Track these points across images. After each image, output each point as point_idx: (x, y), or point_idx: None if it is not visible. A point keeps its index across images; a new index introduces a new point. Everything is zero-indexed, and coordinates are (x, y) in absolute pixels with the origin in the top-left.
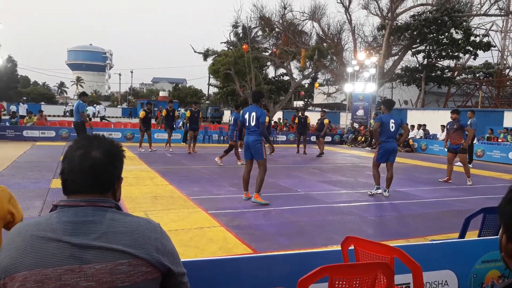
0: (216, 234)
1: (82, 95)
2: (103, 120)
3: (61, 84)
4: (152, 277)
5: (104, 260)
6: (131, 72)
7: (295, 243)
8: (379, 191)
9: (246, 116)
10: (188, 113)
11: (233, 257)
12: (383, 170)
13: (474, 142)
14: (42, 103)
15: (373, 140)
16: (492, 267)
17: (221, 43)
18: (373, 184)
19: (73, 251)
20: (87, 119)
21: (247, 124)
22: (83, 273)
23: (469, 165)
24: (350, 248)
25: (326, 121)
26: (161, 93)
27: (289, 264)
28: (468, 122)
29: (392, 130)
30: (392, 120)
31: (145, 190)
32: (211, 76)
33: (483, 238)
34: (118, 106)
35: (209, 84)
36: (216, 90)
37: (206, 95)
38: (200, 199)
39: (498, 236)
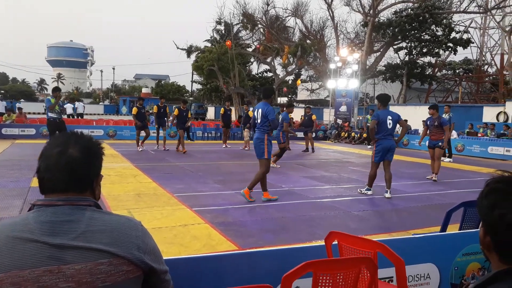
0: (201, 231)
1: (53, 90)
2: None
3: (41, 81)
4: (134, 276)
5: (84, 260)
6: (113, 68)
7: (279, 239)
8: (370, 192)
9: (255, 113)
10: (176, 111)
11: (216, 254)
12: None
13: (454, 137)
14: (22, 100)
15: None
16: (472, 259)
17: (204, 41)
18: (360, 181)
19: (52, 251)
20: (61, 115)
21: (256, 122)
22: (62, 274)
23: (450, 159)
24: (333, 243)
25: (314, 116)
26: (144, 90)
27: (273, 260)
28: (445, 116)
29: (390, 127)
30: (389, 117)
31: (128, 187)
32: (195, 73)
33: (463, 231)
34: (100, 103)
35: (192, 81)
36: (199, 86)
37: (190, 92)
38: (184, 196)
39: (478, 229)
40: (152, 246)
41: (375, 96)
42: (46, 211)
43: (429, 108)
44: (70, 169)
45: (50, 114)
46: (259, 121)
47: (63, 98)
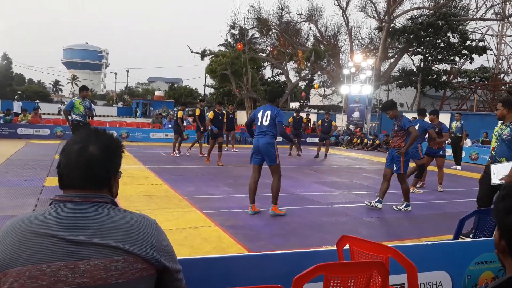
0: (211, 233)
1: (81, 89)
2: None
3: (56, 83)
4: (148, 273)
5: (99, 257)
6: (127, 71)
7: (289, 243)
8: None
9: (259, 114)
10: (211, 114)
11: (228, 256)
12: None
13: (468, 145)
14: (37, 101)
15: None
16: (486, 268)
17: (219, 45)
18: (372, 187)
19: (68, 247)
20: (85, 118)
21: (258, 124)
22: (78, 269)
23: (458, 167)
24: (345, 247)
25: (334, 123)
26: (157, 93)
27: (284, 263)
28: (457, 124)
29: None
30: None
31: (139, 189)
32: (208, 76)
33: (477, 239)
34: (114, 105)
35: (205, 85)
36: (212, 90)
37: (202, 95)
38: (195, 198)
39: (492, 238)
40: (166, 245)
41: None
42: (64, 207)
43: (429, 114)
44: (89, 167)
45: (74, 116)
46: (266, 123)
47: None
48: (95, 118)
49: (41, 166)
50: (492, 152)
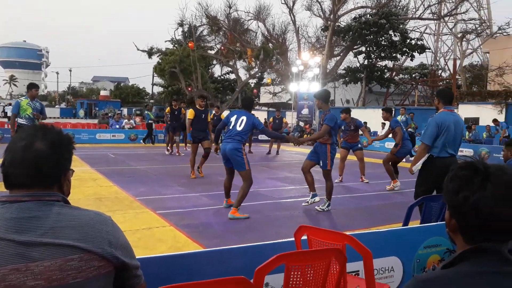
0: (166, 233)
1: (29, 87)
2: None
3: None
4: (105, 271)
5: (53, 257)
6: (70, 70)
7: (246, 239)
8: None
9: (233, 118)
10: (190, 114)
11: (187, 252)
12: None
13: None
14: None
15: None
16: (433, 252)
17: (166, 41)
18: (322, 181)
19: (18, 249)
20: (34, 121)
21: (230, 127)
22: (30, 271)
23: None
24: (303, 238)
25: (285, 120)
26: (102, 92)
27: (244, 257)
28: (402, 118)
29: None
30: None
31: (88, 192)
32: (156, 75)
33: (424, 225)
34: (56, 106)
35: (153, 84)
36: (160, 89)
37: (150, 94)
38: (147, 199)
39: (438, 223)
40: (123, 241)
41: (319, 94)
42: (11, 208)
43: (341, 112)
44: (36, 164)
45: (20, 120)
46: (239, 128)
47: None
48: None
49: None
50: None
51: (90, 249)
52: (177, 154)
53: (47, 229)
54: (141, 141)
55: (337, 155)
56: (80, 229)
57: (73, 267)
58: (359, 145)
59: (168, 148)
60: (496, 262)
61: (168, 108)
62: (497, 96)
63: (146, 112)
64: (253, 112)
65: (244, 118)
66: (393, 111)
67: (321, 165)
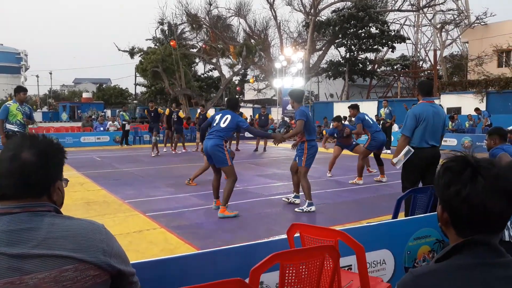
0: (157, 236)
1: (16, 90)
2: None
3: None
4: (101, 280)
5: (47, 268)
6: (50, 73)
7: (238, 238)
8: (312, 207)
9: (217, 117)
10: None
11: (181, 255)
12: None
13: (395, 130)
14: None
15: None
16: (423, 243)
17: (147, 39)
18: (310, 176)
19: (11, 262)
20: (24, 128)
21: (214, 125)
22: (25, 284)
23: (388, 151)
24: (296, 235)
25: (270, 116)
26: (85, 95)
27: (238, 257)
28: (385, 110)
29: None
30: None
31: (76, 196)
32: (138, 75)
33: (413, 216)
34: (38, 110)
35: (136, 84)
36: (143, 89)
37: (133, 95)
38: (136, 202)
39: (427, 214)
40: (117, 249)
41: (292, 92)
42: (1, 220)
43: (332, 121)
44: (23, 174)
45: (9, 126)
46: (223, 125)
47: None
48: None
49: None
50: None
51: (85, 259)
52: (152, 155)
53: (40, 240)
54: (119, 144)
55: (329, 151)
56: (73, 239)
57: (69, 278)
58: (354, 143)
59: (172, 148)
60: (488, 254)
61: (168, 110)
62: (477, 85)
63: (121, 113)
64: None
65: (229, 116)
66: (359, 107)
67: (297, 161)
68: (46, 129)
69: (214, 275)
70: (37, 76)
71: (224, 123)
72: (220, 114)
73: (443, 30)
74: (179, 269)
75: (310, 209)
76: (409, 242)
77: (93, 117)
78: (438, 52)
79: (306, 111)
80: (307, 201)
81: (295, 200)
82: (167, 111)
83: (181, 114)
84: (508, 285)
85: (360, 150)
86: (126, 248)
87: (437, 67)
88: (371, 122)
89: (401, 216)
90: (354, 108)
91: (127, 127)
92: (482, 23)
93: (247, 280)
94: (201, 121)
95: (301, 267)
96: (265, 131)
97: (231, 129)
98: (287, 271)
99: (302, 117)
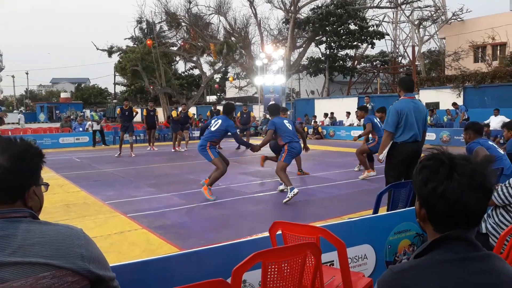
0: (138, 237)
1: None
2: None
3: None
4: (80, 286)
5: (23, 276)
6: (27, 73)
7: (221, 236)
8: (295, 190)
9: (213, 121)
10: (118, 111)
11: (163, 256)
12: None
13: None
14: None
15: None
16: (403, 237)
17: (125, 39)
18: (293, 172)
19: None
20: None
21: (208, 128)
22: None
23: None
24: (278, 233)
25: (252, 114)
26: (63, 95)
27: (220, 257)
28: (368, 107)
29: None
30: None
31: (54, 199)
32: (118, 74)
33: (394, 211)
34: (15, 111)
35: (115, 83)
36: (123, 88)
37: (113, 94)
38: (116, 203)
39: (407, 209)
40: (96, 253)
41: (268, 107)
42: None
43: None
44: None
45: None
46: (213, 129)
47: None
48: None
49: None
50: None
51: (62, 265)
52: (129, 155)
53: (15, 248)
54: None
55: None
56: (50, 245)
57: (46, 285)
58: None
59: (173, 147)
60: (465, 248)
61: (145, 110)
62: (455, 80)
63: (91, 113)
64: (219, 107)
65: (220, 121)
66: (367, 108)
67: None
68: (23, 131)
69: (197, 276)
70: (13, 77)
71: (214, 127)
72: (215, 119)
73: (421, 26)
74: (161, 271)
75: (294, 192)
76: (390, 237)
77: (71, 117)
78: (416, 48)
79: (276, 121)
80: (289, 187)
81: (280, 187)
82: (144, 111)
83: (174, 113)
84: (485, 278)
85: (362, 148)
86: (107, 250)
87: (416, 63)
88: (380, 126)
89: (383, 211)
90: (362, 110)
91: (96, 127)
92: (458, 19)
93: (229, 279)
94: (182, 119)
95: (283, 265)
96: (247, 128)
97: (220, 131)
98: (269, 270)
99: (270, 127)
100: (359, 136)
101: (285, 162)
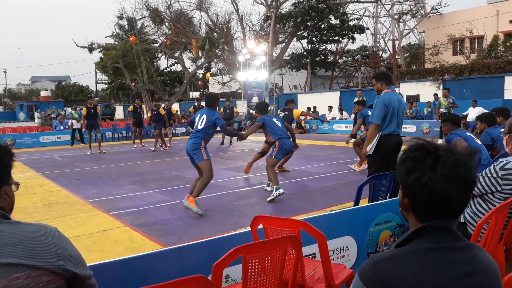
0: (121, 235)
1: None
2: None
3: None
4: (56, 285)
5: None
6: (5, 72)
7: (205, 232)
8: (281, 190)
9: (197, 118)
10: (84, 111)
11: (144, 254)
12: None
13: None
14: None
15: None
16: (384, 228)
17: (106, 37)
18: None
19: None
20: None
21: (195, 126)
22: None
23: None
24: (259, 227)
25: (235, 109)
26: (43, 93)
27: (202, 252)
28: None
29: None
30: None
31: (35, 198)
32: (99, 71)
33: (374, 203)
34: None
35: (96, 82)
36: (104, 85)
37: (94, 92)
38: (99, 201)
39: (387, 200)
40: (72, 252)
41: (256, 105)
42: None
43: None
44: None
45: None
46: (200, 126)
47: None
48: None
49: None
50: None
51: (37, 265)
52: (99, 152)
53: None
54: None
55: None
56: (23, 245)
57: (20, 286)
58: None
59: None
60: (446, 238)
61: (132, 106)
62: (434, 73)
63: (70, 111)
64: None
65: (204, 116)
66: (365, 102)
67: (269, 153)
68: (1, 130)
69: (180, 272)
70: None
71: (201, 124)
72: (199, 115)
73: (401, 20)
74: (143, 268)
75: (279, 192)
76: (371, 228)
77: (52, 115)
78: (397, 42)
79: (265, 118)
80: (275, 186)
81: (279, 192)
82: (130, 108)
83: (162, 111)
84: (466, 267)
85: (357, 140)
86: (89, 249)
87: (396, 57)
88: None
89: (364, 203)
90: (360, 104)
91: (76, 125)
92: (437, 13)
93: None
94: (167, 117)
95: (264, 258)
96: (230, 124)
97: (209, 127)
98: (249, 264)
99: (259, 120)
100: (351, 137)
101: (275, 158)
